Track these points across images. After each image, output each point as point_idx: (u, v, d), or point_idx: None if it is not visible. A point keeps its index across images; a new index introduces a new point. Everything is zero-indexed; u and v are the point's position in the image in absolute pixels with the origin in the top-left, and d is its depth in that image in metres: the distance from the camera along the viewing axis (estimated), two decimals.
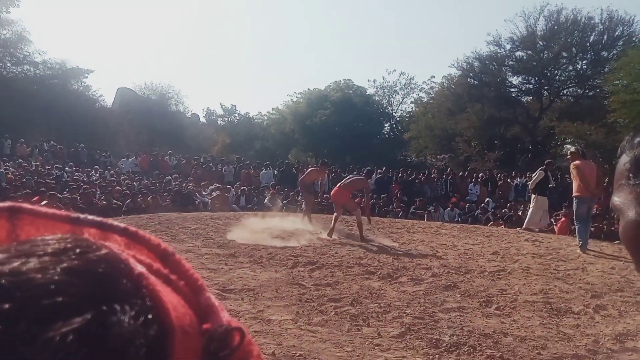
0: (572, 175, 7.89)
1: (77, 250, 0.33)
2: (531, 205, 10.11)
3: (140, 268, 0.34)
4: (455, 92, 28.43)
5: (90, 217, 0.39)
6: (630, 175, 0.60)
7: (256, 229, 8.48)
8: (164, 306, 0.33)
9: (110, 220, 0.39)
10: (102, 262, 0.32)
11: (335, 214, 8.54)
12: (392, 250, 7.46)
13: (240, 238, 7.72)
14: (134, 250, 0.38)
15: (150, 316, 0.32)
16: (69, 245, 0.33)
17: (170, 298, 0.34)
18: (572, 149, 8.68)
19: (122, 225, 0.39)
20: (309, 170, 11.18)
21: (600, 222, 11.82)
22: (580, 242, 7.74)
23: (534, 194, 9.90)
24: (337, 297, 5.00)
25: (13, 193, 11.36)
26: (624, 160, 0.61)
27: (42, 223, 0.37)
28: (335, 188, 8.68)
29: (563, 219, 12.09)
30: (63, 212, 0.39)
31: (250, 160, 22.72)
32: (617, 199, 0.61)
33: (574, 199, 7.84)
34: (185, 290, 0.37)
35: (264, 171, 19.24)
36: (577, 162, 7.71)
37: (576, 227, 8.01)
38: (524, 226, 10.01)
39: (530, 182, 10.18)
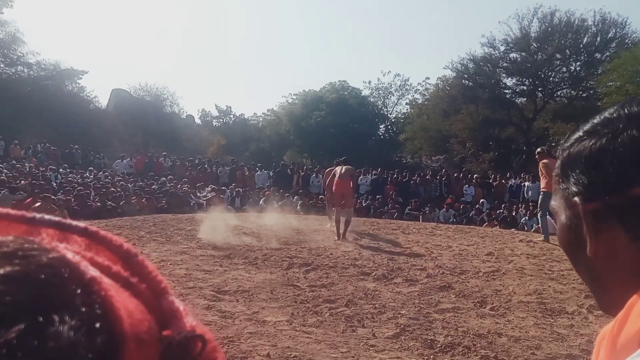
0: (540, 172, 8.47)
1: (20, 254, 0.30)
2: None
3: (92, 272, 0.32)
4: (449, 94, 28.53)
5: (47, 217, 0.37)
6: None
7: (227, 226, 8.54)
8: (115, 313, 0.31)
9: (69, 220, 0.38)
10: (46, 268, 0.30)
11: (334, 216, 8.60)
12: (387, 251, 7.47)
13: (210, 236, 7.74)
14: (93, 252, 0.36)
15: (97, 325, 0.30)
16: (12, 250, 0.31)
17: (126, 304, 0.32)
18: (539, 149, 9.10)
19: (82, 225, 0.37)
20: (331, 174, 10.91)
21: None
22: (544, 236, 8.55)
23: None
24: (332, 298, 5.00)
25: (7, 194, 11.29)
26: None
27: None
28: (336, 180, 8.71)
29: None
30: (18, 212, 0.37)
31: (246, 162, 22.70)
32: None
33: (542, 193, 8.48)
34: (147, 294, 0.35)
35: (259, 172, 19.24)
36: (545, 160, 8.24)
37: (540, 219, 8.83)
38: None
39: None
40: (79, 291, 0.30)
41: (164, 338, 0.34)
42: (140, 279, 0.36)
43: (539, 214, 8.90)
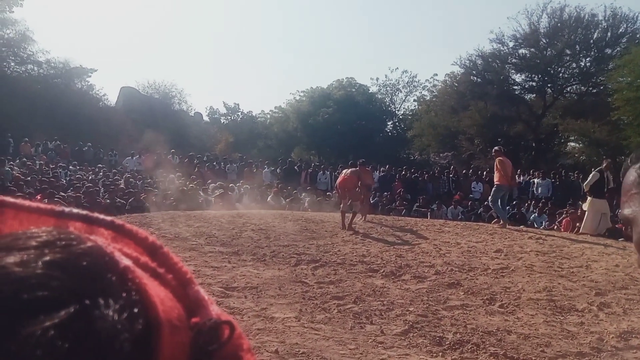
0: (495, 168, 9.79)
1: (60, 244, 0.32)
2: (586, 208, 9.73)
3: (126, 261, 0.34)
4: (458, 90, 28.36)
5: (75, 210, 0.38)
6: None
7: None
8: (150, 300, 0.32)
9: (96, 214, 0.39)
10: (86, 256, 0.32)
11: (341, 207, 9.24)
12: (395, 248, 7.45)
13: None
14: (120, 244, 0.37)
15: (136, 310, 0.31)
16: (52, 239, 0.33)
17: (157, 291, 0.34)
18: (497, 147, 10.33)
19: (109, 218, 0.39)
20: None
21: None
22: (502, 222, 9.59)
23: (590, 196, 9.58)
24: (340, 295, 5.00)
25: (17, 192, 11.39)
26: (632, 173, 0.62)
27: (25, 217, 0.37)
28: (341, 176, 9.67)
29: (568, 217, 12.05)
30: (47, 206, 0.38)
31: (254, 159, 22.74)
32: (627, 210, 0.62)
33: (495, 185, 9.85)
34: (174, 284, 0.37)
35: (266, 169, 19.27)
36: (500, 158, 9.70)
37: (493, 207, 10.06)
38: (579, 231, 9.60)
39: (585, 184, 9.85)
40: (115, 278, 0.32)
41: (194, 325, 0.35)
42: (167, 269, 0.38)
43: (491, 203, 10.17)
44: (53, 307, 0.28)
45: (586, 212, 9.71)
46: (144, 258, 0.37)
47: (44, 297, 0.29)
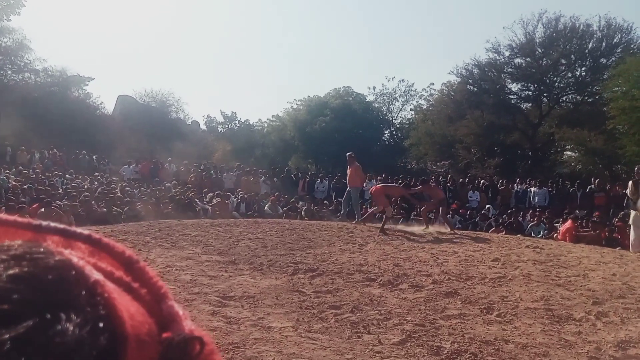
0: (352, 171, 11.30)
1: (29, 257, 0.32)
2: (631, 223, 9.03)
3: (96, 276, 0.34)
4: (454, 99, 28.52)
5: (53, 224, 0.39)
6: None
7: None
8: (117, 315, 0.32)
9: (74, 228, 0.39)
10: (52, 270, 0.32)
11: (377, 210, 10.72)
12: (392, 257, 7.44)
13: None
14: (96, 258, 0.37)
15: (101, 324, 0.31)
16: (20, 252, 0.33)
17: (127, 306, 0.34)
18: (351, 154, 11.57)
19: (86, 232, 0.39)
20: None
21: (602, 229, 11.79)
22: (358, 219, 10.87)
23: (633, 209, 8.94)
24: (338, 304, 4.98)
25: (13, 201, 11.34)
26: None
27: (3, 230, 0.37)
28: (377, 186, 11.18)
29: (570, 221, 11.96)
30: (25, 220, 0.39)
31: (251, 168, 22.73)
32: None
33: (353, 188, 11.45)
34: (148, 299, 0.37)
35: (263, 178, 19.25)
36: (357, 163, 11.34)
37: (356, 209, 11.46)
38: (631, 250, 8.82)
39: (627, 191, 9.23)
40: (83, 292, 0.32)
41: (164, 340, 0.35)
42: (141, 284, 0.38)
43: (354, 204, 11.54)
44: (12, 321, 0.28)
45: (631, 228, 9.00)
46: (119, 272, 0.37)
47: (4, 311, 0.29)
